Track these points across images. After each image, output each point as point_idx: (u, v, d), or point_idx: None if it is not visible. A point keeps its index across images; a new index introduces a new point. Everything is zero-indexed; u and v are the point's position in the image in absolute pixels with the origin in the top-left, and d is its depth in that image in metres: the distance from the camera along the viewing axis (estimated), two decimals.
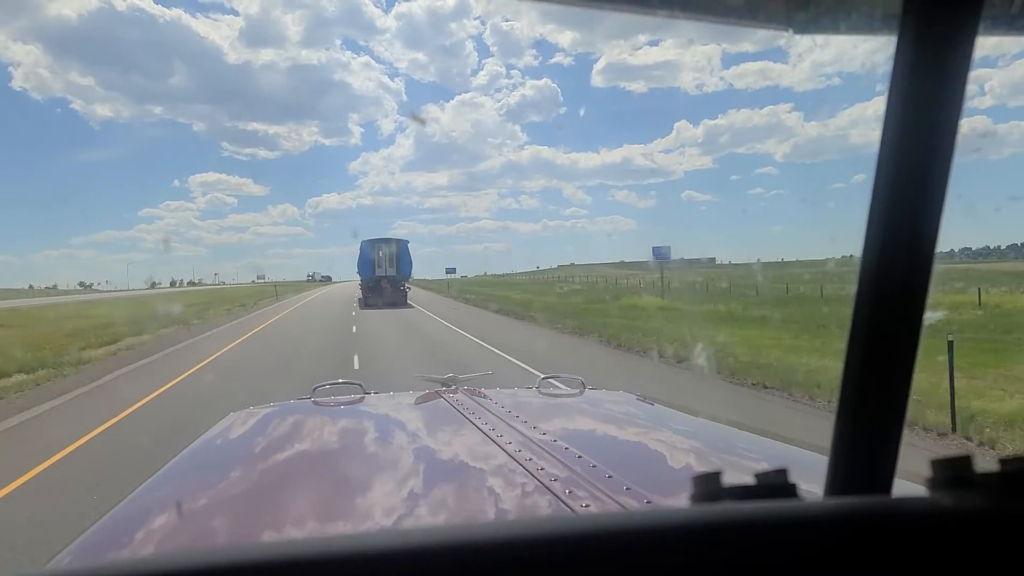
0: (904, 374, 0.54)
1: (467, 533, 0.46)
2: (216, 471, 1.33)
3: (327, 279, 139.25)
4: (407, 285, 32.69)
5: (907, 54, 0.51)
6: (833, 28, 0.65)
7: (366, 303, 30.17)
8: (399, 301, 30.24)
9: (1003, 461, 0.49)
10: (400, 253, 32.47)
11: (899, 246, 0.52)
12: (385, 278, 31.29)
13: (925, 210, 0.51)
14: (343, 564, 0.42)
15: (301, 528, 0.97)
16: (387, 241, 33.11)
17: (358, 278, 32.94)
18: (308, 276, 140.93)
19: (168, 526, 1.04)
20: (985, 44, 0.54)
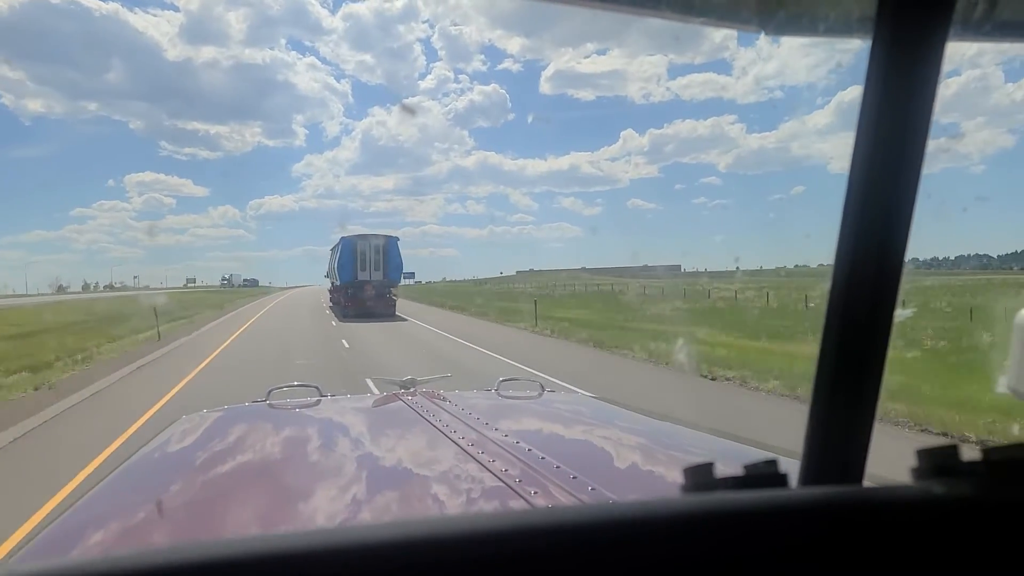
0: (875, 369, 0.58)
1: (455, 525, 0.46)
2: (169, 475, 1.33)
3: (252, 283, 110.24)
4: (394, 292, 27.49)
5: (880, 56, 0.54)
6: (805, 31, 0.69)
7: (344, 313, 25.63)
8: (385, 311, 25.68)
9: (987, 450, 0.52)
10: (388, 252, 27.11)
11: (871, 245, 0.56)
12: (369, 283, 26.22)
13: (897, 207, 0.55)
14: (297, 561, 0.41)
15: (255, 532, 0.96)
16: (374, 237, 27.47)
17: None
18: (223, 280, 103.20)
19: (119, 531, 1.04)
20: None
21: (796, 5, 0.65)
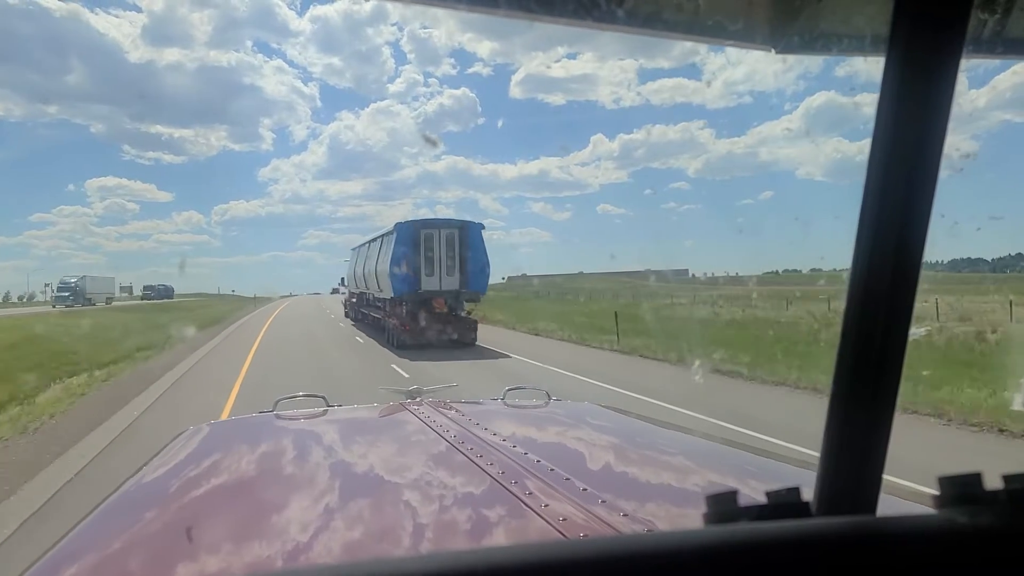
0: (890, 393, 0.60)
1: (458, 560, 0.49)
2: (180, 491, 1.37)
3: (161, 293, 68.50)
4: (471, 310, 18.35)
5: (894, 75, 0.57)
6: (816, 50, 0.74)
7: (397, 343, 17.13)
8: (463, 338, 17.05)
9: (1009, 478, 0.53)
10: (470, 248, 17.63)
11: (885, 265, 0.58)
12: (440, 294, 17.22)
13: (911, 225, 0.57)
14: None
15: (270, 548, 1.00)
16: (448, 224, 17.95)
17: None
18: (59, 294, 50.91)
19: (136, 551, 1.07)
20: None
21: (808, 26, 0.68)
